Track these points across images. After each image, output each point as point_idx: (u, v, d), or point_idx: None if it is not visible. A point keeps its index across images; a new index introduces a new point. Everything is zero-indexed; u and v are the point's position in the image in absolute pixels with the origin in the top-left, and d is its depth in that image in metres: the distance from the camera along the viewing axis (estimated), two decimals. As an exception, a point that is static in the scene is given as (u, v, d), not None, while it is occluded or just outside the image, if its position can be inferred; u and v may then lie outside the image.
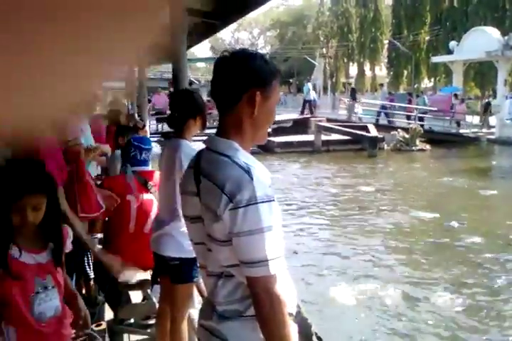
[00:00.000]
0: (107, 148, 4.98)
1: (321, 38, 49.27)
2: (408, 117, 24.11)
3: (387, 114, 24.61)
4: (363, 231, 9.28)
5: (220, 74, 1.76)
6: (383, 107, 24.80)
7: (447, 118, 24.19)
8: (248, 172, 1.65)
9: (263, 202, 1.62)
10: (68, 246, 2.77)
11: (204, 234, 1.76)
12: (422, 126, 21.99)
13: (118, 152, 4.56)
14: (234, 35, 66.25)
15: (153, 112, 19.53)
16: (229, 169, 1.67)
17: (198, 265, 2.00)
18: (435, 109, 24.07)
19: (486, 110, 23.72)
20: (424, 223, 9.65)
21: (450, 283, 6.79)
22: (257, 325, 1.67)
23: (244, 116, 1.74)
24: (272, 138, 20.11)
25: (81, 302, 2.44)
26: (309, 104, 24.75)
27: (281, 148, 19.66)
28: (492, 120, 23.91)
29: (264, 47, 62.31)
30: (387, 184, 13.63)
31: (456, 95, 24.59)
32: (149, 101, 17.57)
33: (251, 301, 1.70)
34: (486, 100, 24.58)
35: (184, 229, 2.22)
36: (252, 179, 1.63)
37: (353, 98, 24.97)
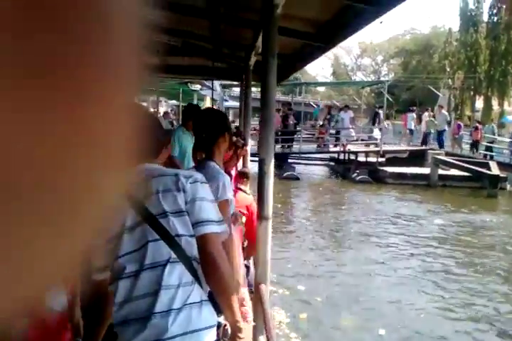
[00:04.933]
0: None
1: (447, 69, 47.63)
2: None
3: None
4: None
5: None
6: None
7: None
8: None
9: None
10: None
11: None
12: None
13: None
14: (357, 61, 65.86)
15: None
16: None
17: (124, 273, 1.95)
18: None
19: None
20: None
21: None
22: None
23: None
24: (384, 168, 19.57)
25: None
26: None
27: (393, 179, 18.83)
28: None
29: (387, 75, 61.32)
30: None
31: None
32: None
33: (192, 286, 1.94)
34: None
35: None
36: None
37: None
